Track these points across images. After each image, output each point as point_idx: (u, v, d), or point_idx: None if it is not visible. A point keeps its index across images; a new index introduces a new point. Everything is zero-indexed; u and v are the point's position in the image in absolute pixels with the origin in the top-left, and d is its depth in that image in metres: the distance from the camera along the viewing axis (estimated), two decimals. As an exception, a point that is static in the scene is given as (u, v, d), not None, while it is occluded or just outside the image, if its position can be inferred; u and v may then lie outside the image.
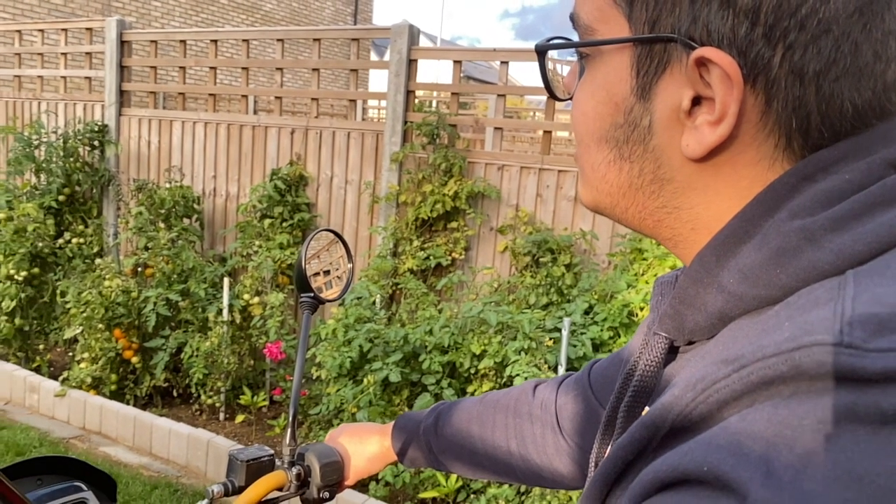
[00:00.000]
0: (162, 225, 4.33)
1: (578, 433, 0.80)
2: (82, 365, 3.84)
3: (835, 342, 0.31)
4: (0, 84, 6.13)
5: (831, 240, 0.38)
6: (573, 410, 0.81)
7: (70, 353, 4.21)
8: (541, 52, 0.52)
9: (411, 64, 4.00)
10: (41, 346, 4.43)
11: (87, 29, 5.44)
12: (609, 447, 0.53)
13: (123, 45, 5.16)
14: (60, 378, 3.89)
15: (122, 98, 5.22)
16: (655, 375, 0.49)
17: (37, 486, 0.91)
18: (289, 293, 3.98)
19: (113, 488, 0.99)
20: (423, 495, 2.95)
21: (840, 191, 0.40)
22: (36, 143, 4.96)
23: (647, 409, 0.48)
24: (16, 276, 4.21)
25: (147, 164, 5.10)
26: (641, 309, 2.96)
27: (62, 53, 5.61)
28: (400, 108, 3.99)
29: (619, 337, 3.05)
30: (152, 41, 5.17)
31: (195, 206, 4.64)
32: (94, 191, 5.15)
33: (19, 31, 5.93)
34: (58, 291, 4.19)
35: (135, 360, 3.86)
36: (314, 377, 3.38)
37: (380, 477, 2.98)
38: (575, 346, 2.93)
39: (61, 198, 4.85)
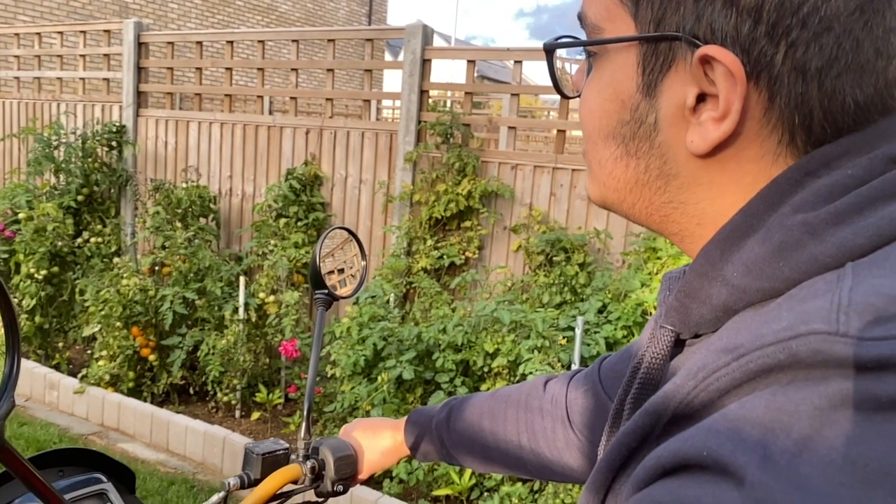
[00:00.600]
0: (179, 224, 4.37)
1: (588, 427, 0.81)
2: (101, 362, 3.89)
3: (830, 331, 0.32)
4: (20, 86, 6.21)
5: (833, 233, 0.39)
6: (583, 405, 0.82)
7: (88, 351, 4.27)
8: (549, 51, 0.53)
9: (425, 64, 4.02)
10: (60, 344, 4.50)
11: (106, 31, 5.50)
12: None
13: (141, 46, 5.22)
14: (79, 375, 3.94)
15: (140, 99, 5.27)
16: (662, 368, 0.49)
17: (58, 476, 0.93)
18: (304, 292, 4.01)
19: (132, 480, 1.02)
20: (436, 493, 2.96)
21: (842, 185, 0.41)
22: (55, 143, 5.03)
23: None
24: (36, 275, 4.28)
25: (164, 164, 5.16)
26: (655, 308, 2.95)
27: (81, 55, 5.68)
28: (414, 108, 4.01)
29: (633, 336, 3.05)
30: (169, 43, 5.23)
31: (211, 205, 4.68)
32: (112, 191, 5.21)
33: (39, 34, 6.01)
34: (77, 290, 4.25)
35: (152, 357, 3.91)
36: (329, 375, 3.40)
37: (394, 474, 2.99)
38: (588, 344, 2.93)
39: (80, 198, 4.92)
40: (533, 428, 0.88)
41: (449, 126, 3.82)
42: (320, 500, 1.03)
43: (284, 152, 4.59)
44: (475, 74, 3.99)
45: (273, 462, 0.97)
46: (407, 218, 3.98)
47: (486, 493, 2.91)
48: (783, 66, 0.41)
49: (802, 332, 0.33)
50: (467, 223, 3.85)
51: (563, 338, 2.95)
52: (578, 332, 2.74)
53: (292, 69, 4.69)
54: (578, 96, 0.54)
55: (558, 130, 3.84)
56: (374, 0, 15.38)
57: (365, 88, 4.49)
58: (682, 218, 0.49)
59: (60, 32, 5.85)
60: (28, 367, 4.11)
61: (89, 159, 5.02)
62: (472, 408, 0.95)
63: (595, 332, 3.03)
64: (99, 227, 4.85)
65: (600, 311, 3.16)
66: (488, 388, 2.93)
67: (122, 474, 1.00)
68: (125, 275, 3.93)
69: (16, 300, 4.23)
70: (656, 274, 3.10)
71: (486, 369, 3.00)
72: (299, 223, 4.29)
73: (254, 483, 0.95)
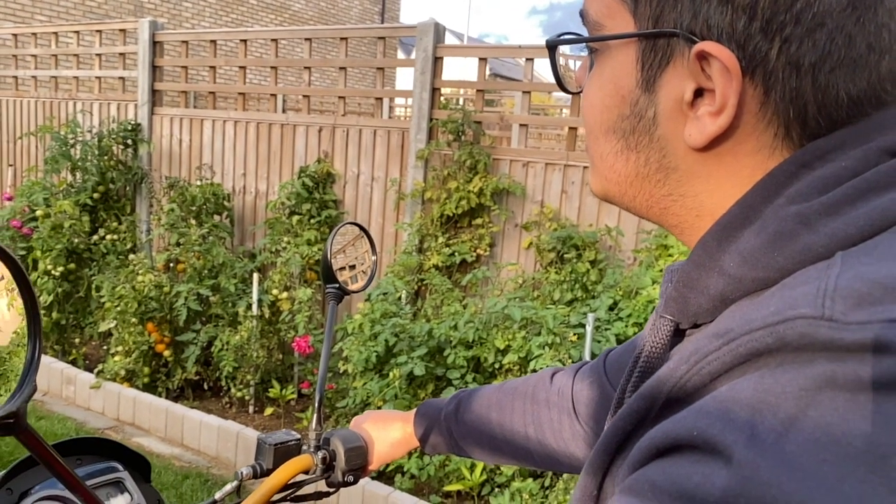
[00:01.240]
0: (193, 221, 4.42)
1: (593, 418, 0.82)
2: (116, 358, 3.94)
3: (816, 315, 0.34)
4: (38, 85, 6.29)
5: (826, 224, 0.40)
6: (588, 396, 0.83)
7: (104, 347, 4.32)
8: (551, 48, 0.55)
9: (437, 62, 4.03)
10: (77, 340, 4.55)
11: (121, 30, 5.56)
12: None
13: (155, 45, 5.27)
14: (95, 371, 4.00)
15: (155, 97, 5.33)
16: (661, 357, 0.51)
17: (77, 465, 0.95)
18: (316, 289, 4.04)
19: (147, 469, 1.04)
20: (447, 488, 2.98)
21: (836, 177, 0.42)
22: (72, 142, 5.09)
23: None
24: (53, 272, 4.34)
25: (178, 162, 5.20)
26: (666, 305, 2.95)
27: (97, 54, 5.74)
28: (425, 106, 4.02)
29: (644, 333, 3.04)
30: (183, 41, 5.27)
31: (225, 203, 4.73)
32: (128, 188, 5.27)
33: (56, 33, 6.08)
34: (93, 286, 4.31)
35: (167, 353, 3.95)
36: (341, 371, 3.43)
37: (405, 470, 3.02)
38: (599, 341, 2.94)
39: (96, 195, 4.98)
40: (539, 419, 0.89)
41: (460, 123, 3.83)
42: (331, 489, 1.04)
43: (297, 150, 4.62)
44: (488, 72, 4.00)
45: (285, 452, 0.99)
46: (419, 215, 4.00)
47: (496, 489, 2.92)
48: (778, 62, 0.42)
49: (790, 317, 0.34)
50: (479, 220, 3.86)
51: (574, 334, 2.96)
52: (589, 328, 2.75)
53: (305, 67, 4.72)
54: (581, 92, 0.55)
55: (570, 128, 3.84)
56: (386, -2, 15.41)
57: (377, 86, 4.51)
58: (682, 210, 0.50)
59: (77, 32, 5.91)
60: (45, 362, 4.17)
61: (105, 157, 5.08)
62: (480, 400, 0.96)
63: (606, 329, 3.04)
64: (115, 224, 4.91)
65: (611, 308, 3.16)
66: (499, 385, 2.95)
67: (138, 464, 1.03)
68: (140, 271, 3.98)
69: (33, 296, 4.29)
70: (668, 271, 3.10)
71: (496, 366, 3.01)
72: (312, 220, 4.32)
73: (266, 472, 0.97)
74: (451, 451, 1.01)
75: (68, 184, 5.07)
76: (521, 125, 4.05)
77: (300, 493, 1.01)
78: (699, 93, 0.45)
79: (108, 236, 4.70)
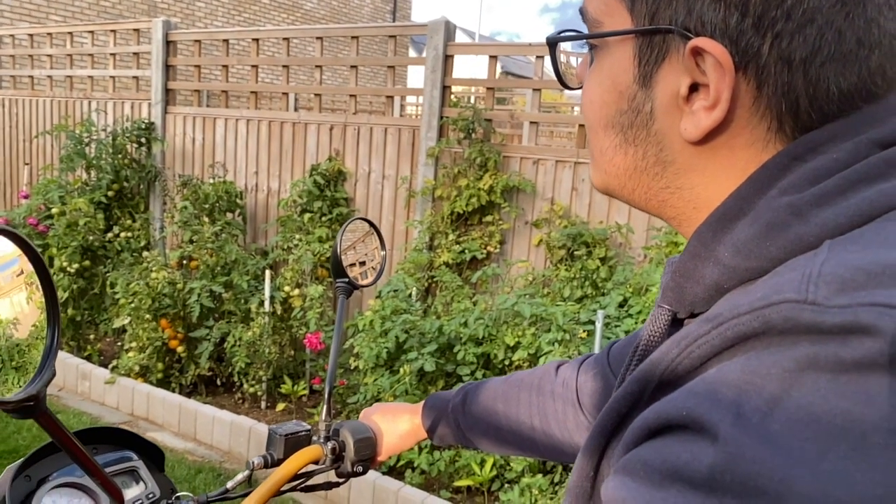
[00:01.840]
0: (206, 219, 4.46)
1: (597, 409, 0.84)
2: (130, 354, 3.99)
3: (799, 299, 0.35)
4: (53, 84, 6.36)
5: (817, 214, 0.41)
6: (592, 387, 0.85)
7: (119, 343, 4.37)
8: (551, 44, 0.56)
9: (447, 60, 4.04)
10: (92, 336, 4.61)
11: (135, 30, 5.61)
12: None
13: (169, 45, 5.31)
14: (110, 366, 4.05)
15: (168, 96, 5.37)
16: (658, 345, 0.52)
17: (93, 453, 0.97)
18: (328, 285, 4.07)
19: (161, 459, 1.06)
20: (457, 483, 2.99)
21: (827, 169, 0.43)
22: (87, 140, 5.15)
23: None
24: (68, 269, 4.39)
25: (191, 160, 5.25)
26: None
27: (111, 54, 5.80)
28: (436, 104, 4.04)
29: (654, 330, 3.05)
30: (196, 41, 5.32)
31: (238, 200, 4.76)
32: (142, 186, 5.32)
33: (71, 33, 6.14)
34: (107, 283, 4.36)
35: (180, 349, 4.00)
36: (352, 367, 3.46)
37: (415, 465, 3.04)
38: (609, 338, 2.94)
39: (110, 193, 5.03)
40: (545, 410, 0.90)
41: (470, 121, 3.84)
42: (341, 480, 1.06)
43: (309, 148, 4.65)
44: (499, 70, 4.01)
45: (295, 443, 1.01)
46: (429, 213, 4.02)
47: (506, 485, 2.94)
48: (769, 57, 0.43)
49: (775, 301, 0.36)
50: (489, 218, 3.88)
51: (584, 331, 2.96)
52: (599, 325, 2.76)
53: (317, 66, 4.74)
54: (581, 87, 0.56)
55: (580, 125, 3.84)
56: (398, -4, 15.43)
57: (388, 85, 4.53)
58: (679, 202, 0.51)
59: (91, 32, 5.97)
60: (61, 357, 4.22)
61: (119, 156, 5.13)
62: (487, 392, 0.98)
63: (616, 326, 3.04)
64: (129, 221, 4.96)
65: (621, 305, 3.16)
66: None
67: (152, 453, 1.05)
68: (154, 268, 4.02)
69: (49, 293, 4.34)
70: (678, 268, 3.10)
71: (506, 362, 3.02)
72: (323, 218, 4.35)
73: (277, 462, 0.99)
74: (458, 443, 1.03)
75: (83, 182, 5.13)
76: (531, 123, 4.05)
77: (310, 482, 1.03)
78: (694, 88, 0.46)
79: (123, 234, 4.76)
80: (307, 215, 4.33)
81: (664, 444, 0.36)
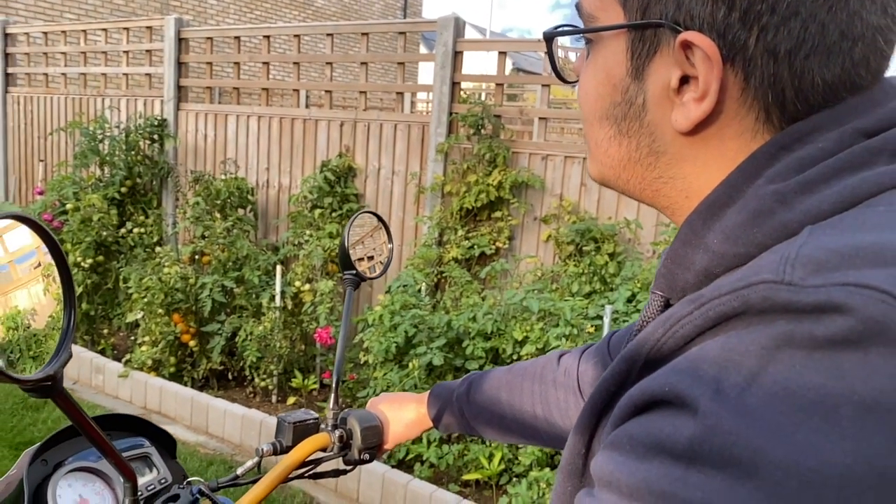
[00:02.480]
0: (218, 215, 4.50)
1: (597, 396, 0.85)
2: (143, 348, 4.04)
3: (776, 280, 0.37)
4: (67, 82, 6.42)
5: (801, 201, 0.43)
6: (593, 376, 0.87)
7: (132, 337, 4.42)
8: (548, 39, 0.58)
9: (457, 56, 4.06)
10: (105, 330, 4.67)
11: (148, 27, 5.66)
12: None
13: (181, 42, 5.35)
14: (123, 360, 4.10)
15: (180, 93, 5.42)
16: None
17: (106, 438, 1.00)
18: (338, 281, 4.10)
19: (173, 446, 1.09)
20: (466, 477, 3.02)
21: (813, 158, 0.44)
22: (100, 137, 5.20)
23: None
24: (82, 264, 4.45)
25: (203, 156, 5.29)
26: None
27: (124, 51, 5.85)
28: (445, 100, 4.06)
29: (662, 325, 3.05)
30: (208, 38, 5.36)
31: (249, 196, 4.80)
32: (154, 182, 5.37)
33: (84, 31, 6.20)
34: (120, 278, 4.41)
35: (192, 343, 4.04)
36: (362, 362, 3.48)
37: (424, 458, 3.06)
38: (617, 333, 2.95)
39: (124, 189, 5.08)
40: (547, 399, 0.92)
41: (480, 117, 3.85)
42: (348, 467, 1.09)
43: (319, 145, 4.68)
44: (511, 67, 4.02)
45: (304, 430, 1.03)
46: (438, 209, 4.03)
47: (514, 479, 2.96)
48: (756, 49, 0.44)
49: (753, 282, 0.37)
50: (498, 213, 3.89)
51: (592, 326, 2.98)
52: (607, 320, 2.77)
53: (327, 63, 4.77)
54: (577, 81, 0.58)
55: (589, 121, 3.84)
56: (408, -7, 15.44)
57: (398, 81, 4.55)
58: (672, 192, 0.52)
59: (104, 30, 6.03)
60: (75, 351, 4.28)
61: (132, 152, 5.18)
62: (491, 381, 1.00)
63: (624, 321, 3.05)
64: (141, 217, 5.01)
65: (629, 301, 3.17)
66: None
67: (164, 440, 1.08)
68: (167, 263, 4.07)
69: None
70: (686, 264, 3.10)
71: (514, 357, 3.04)
72: (334, 214, 4.38)
73: (286, 449, 1.01)
74: (462, 431, 1.05)
75: (97, 178, 5.18)
76: (540, 119, 4.06)
77: (318, 469, 1.06)
78: (685, 80, 0.47)
79: (136, 229, 4.81)
80: (317, 211, 4.36)
81: (649, 419, 0.38)
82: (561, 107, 10.71)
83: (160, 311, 3.98)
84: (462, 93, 4.21)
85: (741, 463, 0.33)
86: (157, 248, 4.39)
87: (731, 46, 0.45)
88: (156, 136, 5.33)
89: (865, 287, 0.34)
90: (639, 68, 0.49)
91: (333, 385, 1.05)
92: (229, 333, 3.99)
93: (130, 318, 4.19)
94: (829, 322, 0.34)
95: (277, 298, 3.89)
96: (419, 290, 3.62)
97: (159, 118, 5.36)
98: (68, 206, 4.71)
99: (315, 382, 3.89)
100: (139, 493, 0.80)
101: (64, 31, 6.45)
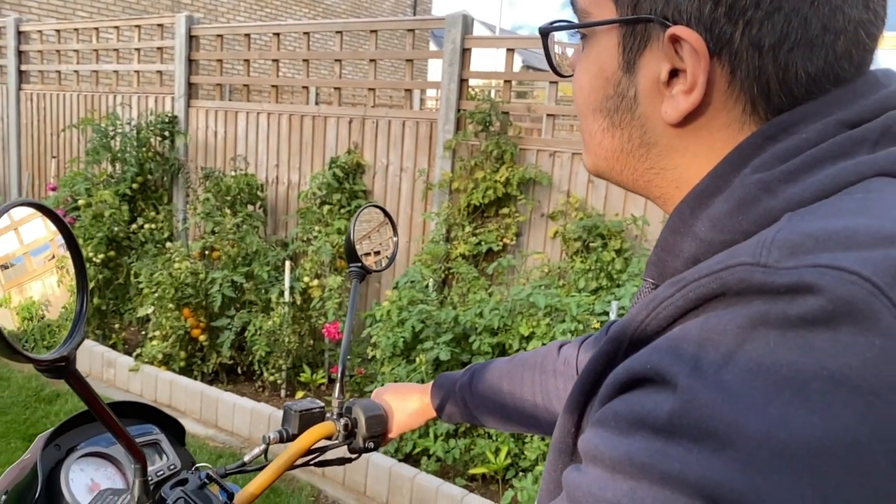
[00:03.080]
0: (228, 211, 4.53)
1: (595, 385, 0.87)
2: (154, 342, 4.08)
3: (753, 262, 0.38)
4: (79, 79, 6.48)
5: (784, 190, 0.44)
6: (591, 365, 0.88)
7: (143, 332, 4.47)
8: (544, 34, 0.59)
9: (465, 53, 4.07)
10: (116, 325, 4.72)
11: (159, 25, 5.70)
12: None
13: (192, 39, 5.39)
14: (134, 354, 4.15)
15: (191, 90, 5.45)
16: None
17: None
18: (346, 276, 4.12)
19: (182, 433, 1.11)
20: (472, 471, 3.04)
21: (797, 148, 0.46)
22: (112, 134, 5.25)
23: None
24: (94, 259, 4.50)
25: (214, 153, 5.33)
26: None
27: (135, 49, 5.90)
28: (453, 97, 4.07)
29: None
30: (218, 35, 5.39)
31: (259, 193, 4.84)
32: (165, 179, 5.42)
33: (96, 29, 6.25)
34: (131, 273, 4.46)
35: (202, 338, 4.08)
36: (369, 357, 3.51)
37: (431, 452, 3.08)
38: (623, 329, 2.96)
39: (135, 185, 5.13)
40: (547, 388, 0.94)
41: (487, 114, 3.86)
42: (353, 455, 1.11)
43: (328, 141, 4.71)
44: (521, 64, 4.03)
45: (309, 419, 1.05)
46: (446, 205, 4.05)
47: (520, 473, 2.97)
48: (741, 43, 0.46)
49: (731, 265, 0.39)
50: (505, 210, 3.90)
51: (598, 322, 2.99)
52: (613, 316, 2.78)
53: (336, 60, 4.79)
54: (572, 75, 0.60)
55: (597, 118, 3.85)
56: (418, -10, 15.45)
57: (407, 78, 4.56)
58: (663, 182, 0.54)
59: (116, 27, 6.08)
60: (87, 345, 4.33)
61: (143, 149, 5.23)
62: (493, 371, 1.02)
63: (630, 318, 3.06)
64: (152, 213, 5.06)
65: (636, 297, 3.18)
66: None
67: (174, 428, 1.10)
68: (177, 259, 4.11)
69: (76, 282, 4.45)
70: (693, 260, 3.10)
71: (521, 352, 3.05)
72: (342, 210, 4.41)
73: (292, 438, 1.03)
74: (465, 421, 1.07)
75: (108, 174, 5.23)
76: (548, 115, 4.07)
77: (323, 458, 1.08)
78: (674, 73, 0.49)
79: (147, 225, 4.85)
80: (326, 207, 4.39)
81: (632, 396, 0.40)
82: (570, 104, 10.69)
83: (170, 305, 4.02)
84: (470, 90, 4.22)
85: (717, 435, 0.35)
86: (168, 244, 4.43)
87: (718, 40, 0.46)
88: (167, 133, 5.37)
89: (836, 269, 0.36)
90: (630, 62, 0.51)
91: (339, 375, 1.07)
92: (239, 328, 4.02)
93: (141, 312, 4.24)
94: (802, 302, 0.36)
95: (286, 294, 3.93)
96: (427, 286, 3.64)
97: (170, 115, 5.40)
98: (80, 202, 4.76)
99: (323, 377, 3.92)
100: (149, 478, 0.82)
101: (76, 29, 6.51)
